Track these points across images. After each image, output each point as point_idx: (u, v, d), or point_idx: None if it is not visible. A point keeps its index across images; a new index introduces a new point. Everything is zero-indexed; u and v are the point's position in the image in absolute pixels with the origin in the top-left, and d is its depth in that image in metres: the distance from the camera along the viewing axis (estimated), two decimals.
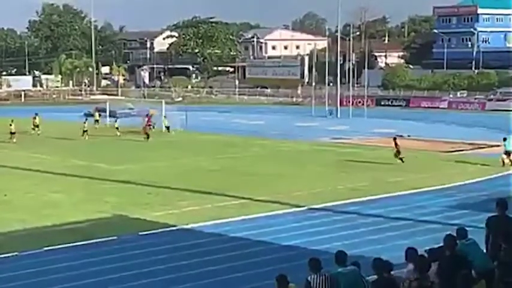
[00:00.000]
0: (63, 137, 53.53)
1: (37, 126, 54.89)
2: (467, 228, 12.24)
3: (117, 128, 54.60)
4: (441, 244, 11.56)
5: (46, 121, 57.99)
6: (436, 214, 27.16)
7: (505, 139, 39.07)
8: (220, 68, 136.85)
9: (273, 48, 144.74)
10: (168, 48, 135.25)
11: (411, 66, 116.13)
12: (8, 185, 33.25)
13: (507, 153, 38.56)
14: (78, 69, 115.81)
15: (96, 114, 62.65)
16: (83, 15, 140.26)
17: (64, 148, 47.91)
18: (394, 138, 40.80)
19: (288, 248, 22.41)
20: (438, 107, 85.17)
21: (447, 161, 41.36)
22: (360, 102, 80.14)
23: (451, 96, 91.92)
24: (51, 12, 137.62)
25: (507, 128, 54.83)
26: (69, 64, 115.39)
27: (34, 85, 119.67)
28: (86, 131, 52.48)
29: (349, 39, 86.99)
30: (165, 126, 56.11)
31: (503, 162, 38.40)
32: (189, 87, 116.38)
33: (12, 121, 50.46)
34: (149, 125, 53.75)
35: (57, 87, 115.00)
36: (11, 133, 49.69)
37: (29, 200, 30.10)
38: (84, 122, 53.52)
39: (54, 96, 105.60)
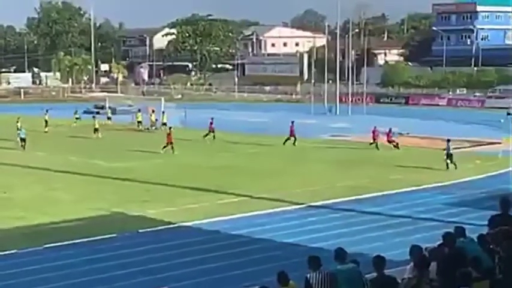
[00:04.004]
0: (63, 135, 53.51)
1: (46, 122, 56.05)
2: (466, 226, 12.25)
3: (96, 130, 52.20)
4: (440, 242, 11.58)
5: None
6: (435, 211, 27.20)
7: (448, 140, 37.75)
8: (219, 66, 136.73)
9: (273, 45, 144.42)
10: (167, 46, 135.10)
11: (410, 63, 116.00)
12: (8, 183, 33.28)
13: (449, 155, 37.08)
14: (77, 66, 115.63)
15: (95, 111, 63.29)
16: (81, 12, 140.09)
17: (63, 145, 47.88)
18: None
19: (287, 245, 22.44)
20: (437, 105, 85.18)
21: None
22: (359, 99, 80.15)
23: (450, 93, 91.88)
24: (49, 9, 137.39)
25: (506, 125, 54.83)
26: (68, 61, 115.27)
27: (33, 82, 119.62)
28: (97, 129, 52.34)
29: (349, 37, 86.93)
30: (162, 123, 56.29)
31: (447, 165, 36.91)
32: (188, 84, 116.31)
33: (18, 118, 50.57)
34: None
35: (56, 85, 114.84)
36: (18, 129, 49.53)
37: (29, 198, 30.11)
38: (94, 118, 53.84)
39: (53, 93, 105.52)
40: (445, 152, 37.32)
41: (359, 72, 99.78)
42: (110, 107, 66.32)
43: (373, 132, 45.60)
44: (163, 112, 57.67)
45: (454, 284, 9.64)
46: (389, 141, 45.58)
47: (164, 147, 43.34)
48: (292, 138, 46.66)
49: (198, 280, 19.12)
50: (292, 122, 47.46)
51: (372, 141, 45.10)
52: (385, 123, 52.55)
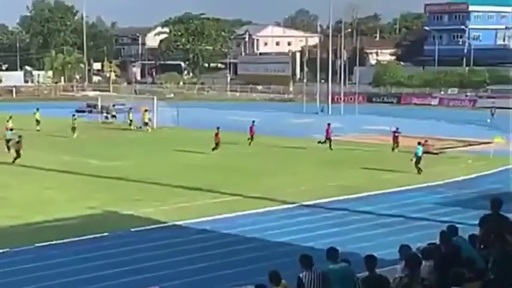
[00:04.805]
0: (55, 133, 53.38)
1: (37, 121, 55.55)
2: (458, 225, 12.31)
3: (73, 128, 51.97)
4: (431, 241, 11.64)
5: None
6: (427, 211, 27.30)
7: (419, 143, 36.88)
8: (212, 65, 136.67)
9: (265, 44, 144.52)
10: (159, 45, 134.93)
11: (402, 63, 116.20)
12: (2, 182, 33.20)
13: (418, 159, 35.99)
14: (69, 65, 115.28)
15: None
16: (74, 10, 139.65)
17: (56, 145, 47.81)
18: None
19: (279, 244, 22.49)
20: (429, 104, 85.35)
21: (438, 158, 41.48)
22: (351, 99, 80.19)
23: (442, 93, 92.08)
24: (41, 8, 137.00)
25: (496, 125, 55.08)
26: (60, 60, 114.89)
27: (25, 81, 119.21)
28: (75, 128, 52.10)
29: (341, 36, 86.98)
30: (144, 122, 56.27)
31: (419, 170, 35.63)
32: (181, 83, 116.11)
33: (10, 117, 50.34)
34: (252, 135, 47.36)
35: (48, 83, 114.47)
36: (7, 130, 49.28)
37: (21, 197, 30.05)
38: (74, 119, 53.39)
39: (45, 92, 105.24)
40: (414, 155, 36.06)
41: (351, 71, 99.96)
42: (113, 105, 66.16)
43: (394, 132, 43.94)
44: (146, 110, 57.41)
45: (447, 283, 9.70)
46: (328, 139, 44.40)
47: (214, 148, 42.76)
48: (326, 140, 44.91)
49: (190, 279, 19.15)
50: (329, 124, 45.55)
51: (393, 144, 43.35)
52: (377, 123, 52.85)
